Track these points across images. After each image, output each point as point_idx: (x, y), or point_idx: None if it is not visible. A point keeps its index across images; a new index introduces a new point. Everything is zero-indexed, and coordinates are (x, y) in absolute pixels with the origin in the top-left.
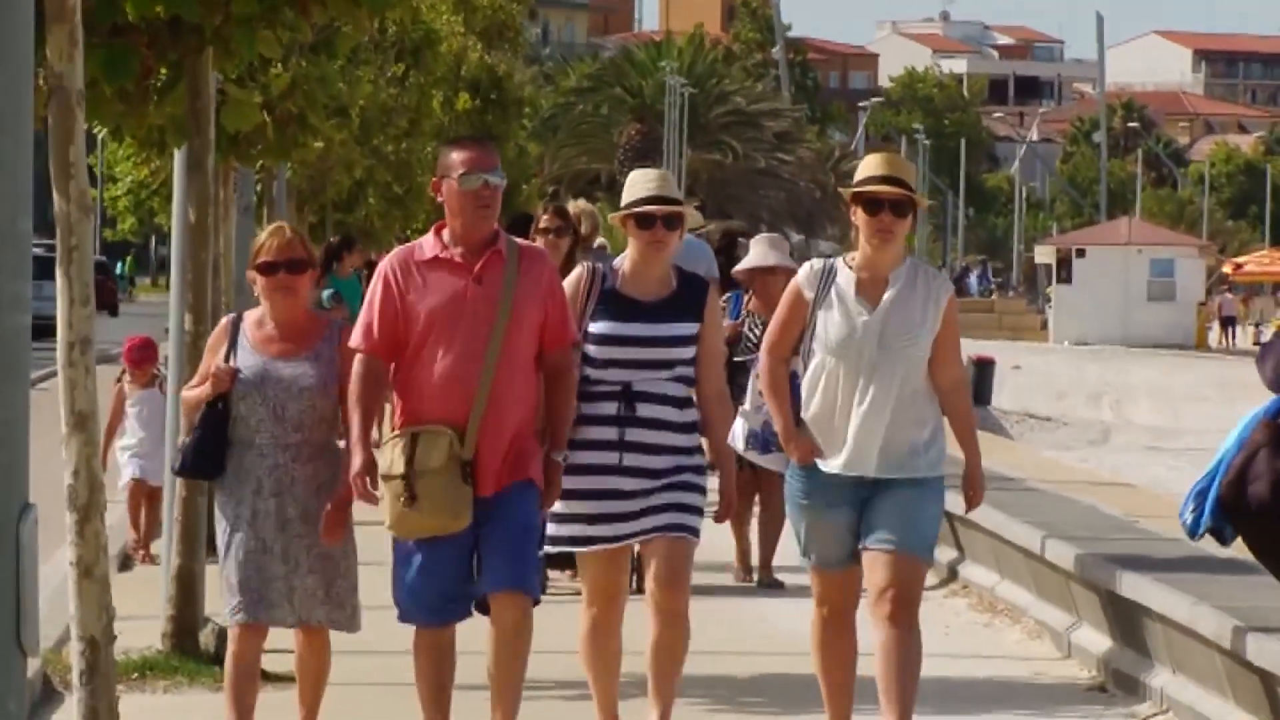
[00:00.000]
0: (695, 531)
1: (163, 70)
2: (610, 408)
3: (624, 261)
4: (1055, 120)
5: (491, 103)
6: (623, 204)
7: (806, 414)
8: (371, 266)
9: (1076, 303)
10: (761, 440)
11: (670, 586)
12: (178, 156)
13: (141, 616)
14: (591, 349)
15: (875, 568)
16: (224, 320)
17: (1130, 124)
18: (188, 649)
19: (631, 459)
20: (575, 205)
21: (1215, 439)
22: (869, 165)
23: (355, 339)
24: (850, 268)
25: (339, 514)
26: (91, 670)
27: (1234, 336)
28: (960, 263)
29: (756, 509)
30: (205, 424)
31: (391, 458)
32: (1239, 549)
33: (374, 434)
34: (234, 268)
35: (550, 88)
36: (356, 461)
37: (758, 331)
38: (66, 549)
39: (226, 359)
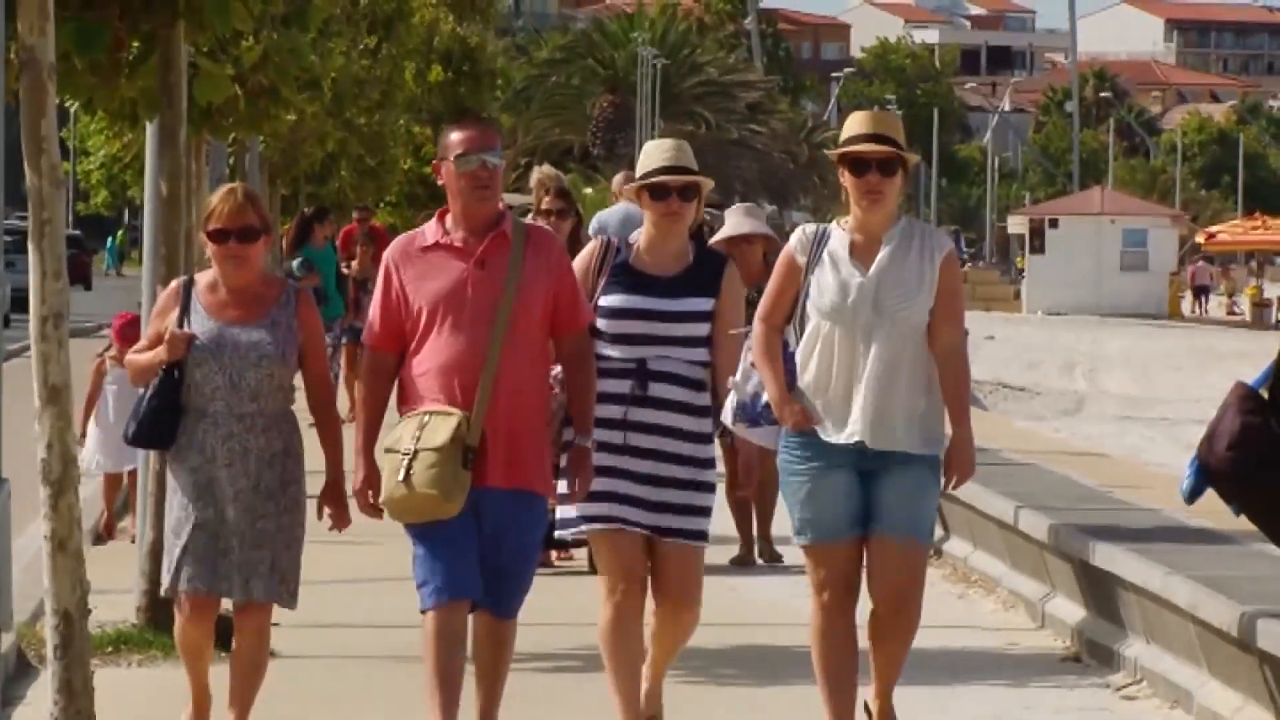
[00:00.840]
0: (706, 536)
1: (134, 43)
2: (622, 386)
3: (639, 235)
4: (1027, 90)
5: (464, 74)
6: (637, 174)
7: (802, 381)
8: (361, 237)
9: (1049, 273)
10: (751, 413)
11: (683, 599)
12: (150, 129)
13: (116, 590)
14: (602, 323)
15: (882, 555)
16: (173, 283)
17: (1102, 94)
18: (162, 623)
19: (638, 439)
20: (539, 171)
21: (1189, 408)
22: (853, 123)
23: (364, 335)
24: (844, 230)
25: (337, 500)
26: (66, 644)
27: (1206, 305)
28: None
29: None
30: (160, 392)
31: (400, 434)
32: (1216, 518)
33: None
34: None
35: (523, 59)
36: (360, 475)
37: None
38: (40, 523)
39: (181, 324)
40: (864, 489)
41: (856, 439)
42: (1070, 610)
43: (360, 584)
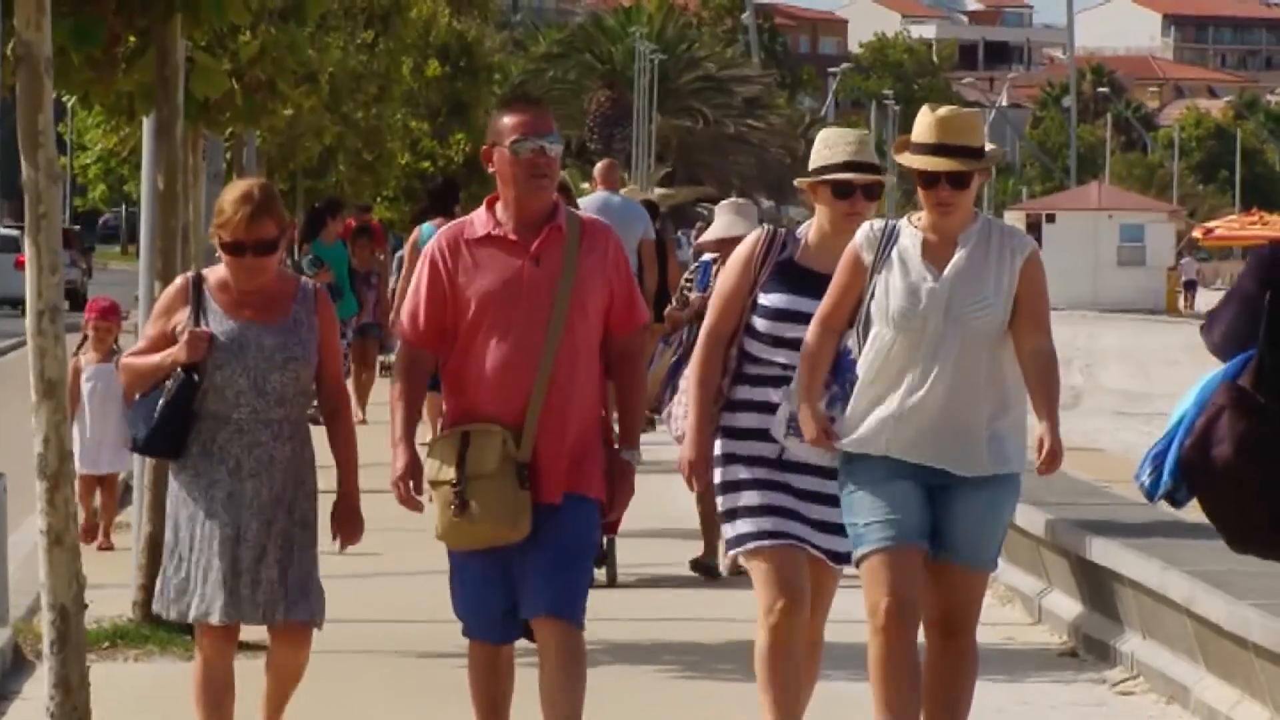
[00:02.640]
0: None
1: (131, 38)
2: (774, 395)
3: (809, 230)
4: (1025, 85)
5: (461, 69)
6: (813, 165)
7: (863, 394)
8: (354, 232)
9: (1046, 267)
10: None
11: (816, 618)
12: (146, 124)
13: (112, 585)
14: (760, 323)
15: (945, 583)
16: (179, 280)
17: (1100, 89)
18: (159, 618)
19: (796, 453)
20: None
21: None
22: (920, 127)
23: (401, 327)
24: (916, 227)
25: (351, 514)
26: (62, 639)
27: (1194, 301)
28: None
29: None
30: (177, 397)
31: (441, 461)
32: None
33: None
34: (203, 235)
35: (520, 54)
36: (399, 463)
37: None
38: (36, 518)
39: (196, 323)
40: (931, 505)
41: (920, 461)
42: (1067, 605)
43: (371, 579)
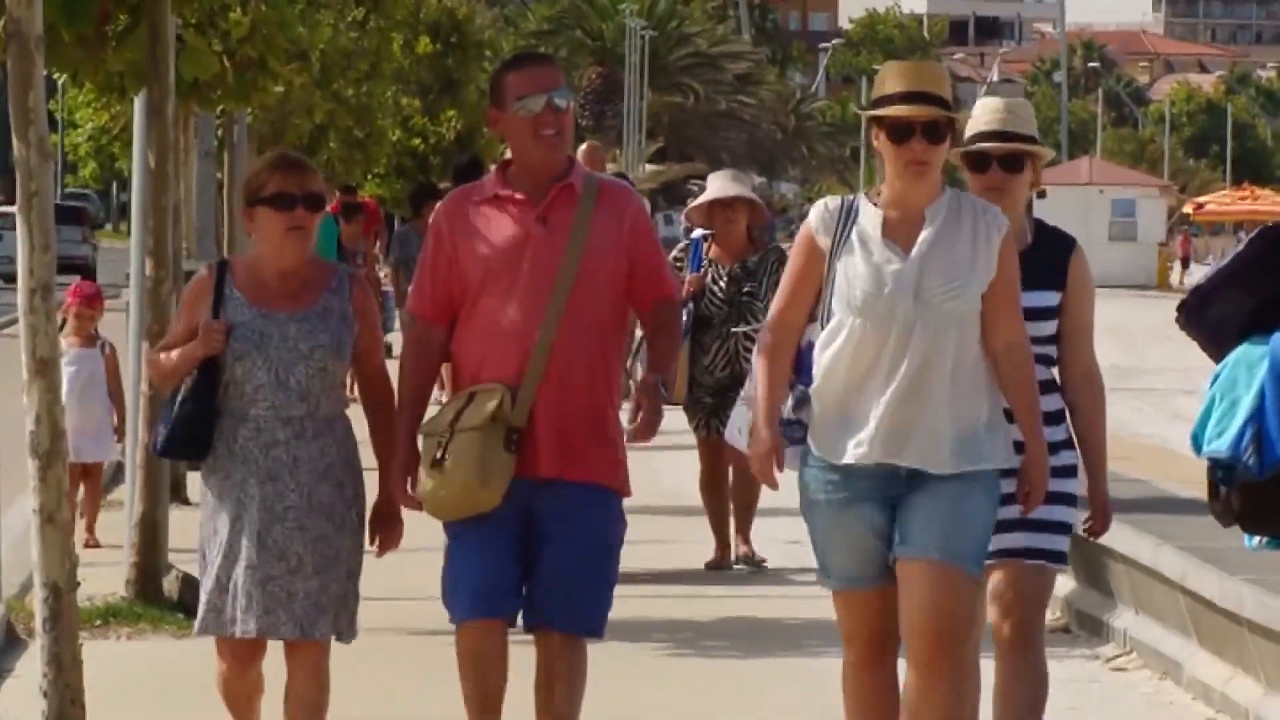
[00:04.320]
0: (1059, 557)
1: (121, 15)
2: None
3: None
4: (1016, 61)
5: (452, 46)
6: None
7: (821, 387)
8: (345, 208)
9: None
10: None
11: (1020, 631)
12: (137, 102)
13: (105, 563)
14: None
15: (908, 585)
16: (203, 269)
17: (1091, 64)
18: (151, 596)
19: None
20: None
21: (1177, 378)
22: (891, 77)
23: (410, 301)
24: (875, 204)
25: (392, 528)
26: (55, 617)
27: (1183, 276)
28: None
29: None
30: (195, 394)
31: (439, 417)
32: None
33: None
34: (194, 213)
35: (511, 30)
36: (396, 459)
37: (723, 284)
38: (29, 496)
39: (215, 314)
40: (895, 517)
41: (887, 461)
42: (1059, 581)
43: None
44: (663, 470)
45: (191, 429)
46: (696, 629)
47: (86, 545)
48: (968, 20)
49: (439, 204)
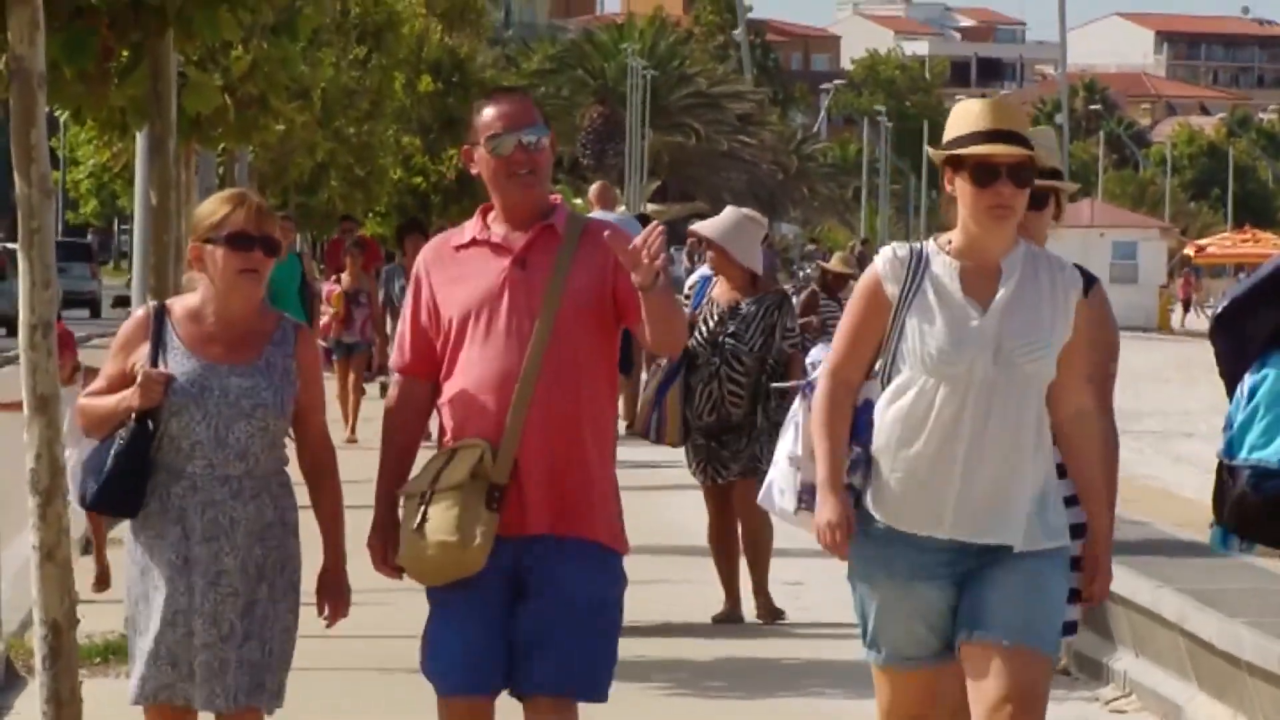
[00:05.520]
0: (1052, 644)
1: (123, 52)
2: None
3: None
4: (1017, 102)
5: (453, 85)
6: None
7: (886, 450)
8: (346, 247)
9: None
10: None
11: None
12: (139, 139)
13: (104, 600)
14: None
15: (985, 669)
16: (139, 311)
17: (1092, 105)
18: None
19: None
20: None
21: (1177, 421)
22: (969, 116)
23: (392, 358)
24: (946, 252)
25: (337, 588)
26: (54, 655)
27: (1184, 318)
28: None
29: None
30: (131, 447)
31: (420, 477)
32: (1204, 532)
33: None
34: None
35: (512, 70)
36: (374, 525)
37: (711, 324)
38: (28, 533)
39: (155, 362)
40: (961, 594)
41: (960, 538)
42: None
43: (374, 593)
44: (668, 510)
45: (125, 483)
46: (697, 669)
47: (99, 581)
48: (969, 62)
49: (420, 252)
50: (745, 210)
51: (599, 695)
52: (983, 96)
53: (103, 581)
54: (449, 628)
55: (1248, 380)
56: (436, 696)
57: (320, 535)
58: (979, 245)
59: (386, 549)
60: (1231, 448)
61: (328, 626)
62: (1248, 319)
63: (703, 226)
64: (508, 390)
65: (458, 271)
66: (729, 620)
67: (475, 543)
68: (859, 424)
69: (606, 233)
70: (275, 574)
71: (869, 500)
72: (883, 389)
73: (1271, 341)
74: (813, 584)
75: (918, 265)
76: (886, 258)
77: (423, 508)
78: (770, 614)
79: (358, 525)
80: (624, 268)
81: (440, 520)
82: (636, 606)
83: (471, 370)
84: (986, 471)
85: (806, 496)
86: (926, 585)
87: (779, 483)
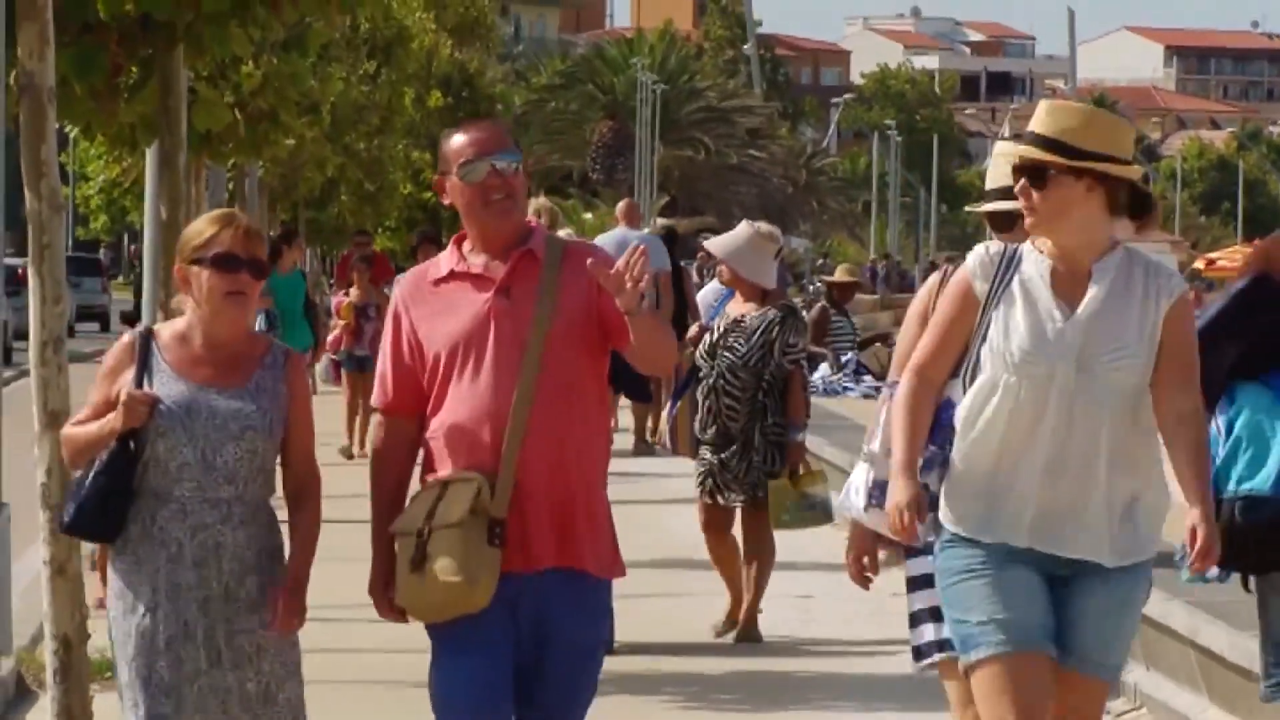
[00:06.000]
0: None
1: (133, 68)
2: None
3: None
4: (1027, 116)
5: (463, 100)
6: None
7: (965, 451)
8: (355, 261)
9: None
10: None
11: None
12: (149, 154)
13: None
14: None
15: (1060, 694)
16: (126, 336)
17: None
18: None
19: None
20: (533, 203)
21: None
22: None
23: (375, 395)
24: (1042, 252)
25: (295, 598)
26: (65, 669)
27: None
28: (932, 258)
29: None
30: (111, 469)
31: (412, 513)
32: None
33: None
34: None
35: (522, 85)
36: (373, 570)
37: (713, 337)
38: (39, 547)
39: (139, 385)
40: (1054, 596)
41: (1041, 548)
42: None
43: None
44: (674, 523)
45: (103, 505)
46: (706, 683)
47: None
48: (979, 76)
49: (396, 288)
50: (759, 225)
51: None
52: (992, 111)
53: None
54: (457, 670)
55: (1220, 417)
56: None
57: (291, 550)
58: (1059, 248)
59: (389, 595)
60: (1216, 483)
61: (269, 628)
62: (1209, 352)
63: (712, 244)
64: (500, 422)
65: (439, 306)
66: (748, 636)
67: (481, 582)
68: (938, 422)
69: (590, 260)
70: (265, 605)
71: (945, 506)
72: (965, 389)
73: (1235, 372)
74: (821, 597)
75: (1009, 263)
76: (978, 255)
77: (418, 547)
78: (749, 639)
79: (362, 538)
80: (611, 305)
81: (443, 560)
82: (644, 620)
83: (461, 404)
84: (1068, 481)
85: (876, 493)
86: (1018, 568)
87: (854, 482)
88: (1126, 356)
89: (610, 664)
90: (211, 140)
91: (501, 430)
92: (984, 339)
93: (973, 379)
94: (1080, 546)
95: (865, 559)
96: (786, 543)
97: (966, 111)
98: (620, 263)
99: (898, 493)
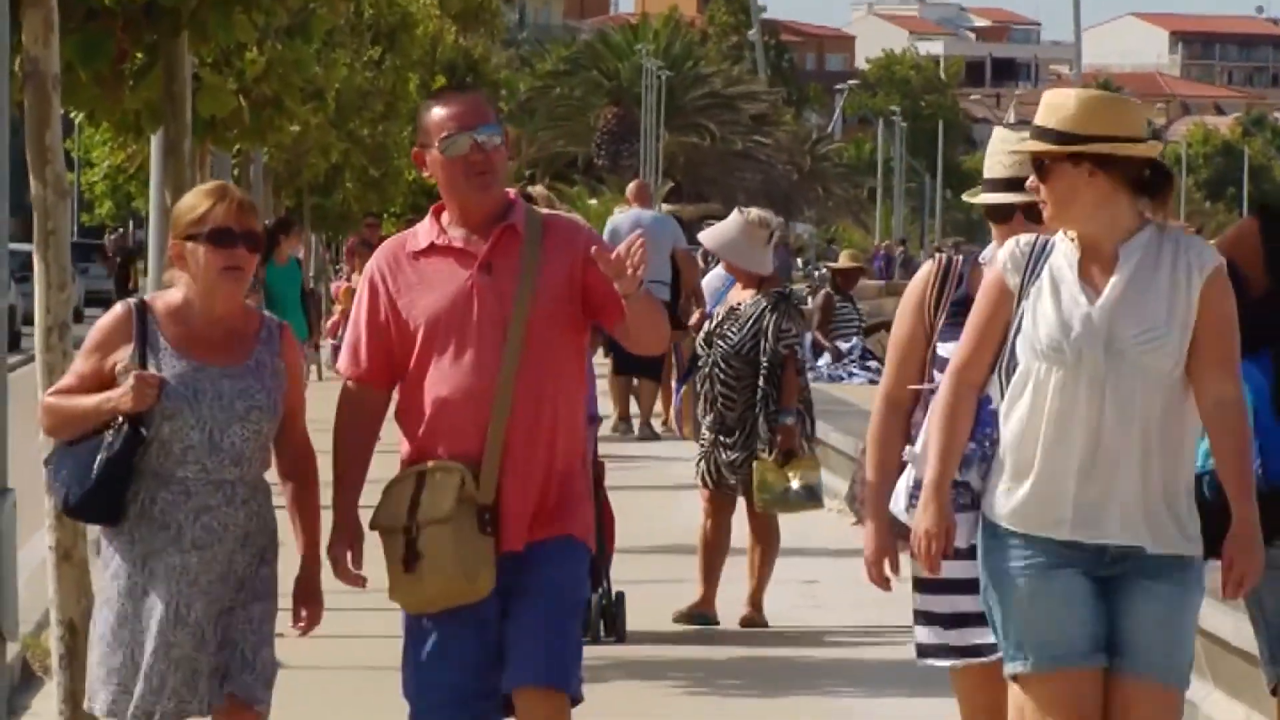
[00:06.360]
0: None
1: (138, 54)
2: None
3: (991, 251)
4: (1032, 102)
5: (468, 86)
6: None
7: (1012, 452)
8: (356, 245)
9: None
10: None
11: None
12: (154, 141)
13: None
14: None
15: (1126, 706)
16: (120, 307)
17: None
18: None
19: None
20: (533, 189)
21: None
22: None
23: (342, 362)
24: (1072, 240)
25: (315, 603)
26: (70, 654)
27: None
28: (938, 244)
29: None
30: (122, 451)
31: (391, 507)
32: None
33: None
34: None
35: (527, 71)
36: (335, 535)
37: (711, 324)
38: (45, 533)
39: (143, 364)
40: (1104, 602)
41: (1086, 539)
42: None
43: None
44: (680, 509)
45: (112, 489)
46: (712, 669)
47: None
48: (984, 62)
49: (373, 257)
50: (749, 212)
51: (579, 691)
52: (997, 97)
53: None
54: (436, 655)
55: None
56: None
57: (294, 540)
58: (1080, 235)
59: (349, 558)
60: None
61: (301, 634)
62: None
63: (705, 236)
64: (485, 402)
65: (418, 278)
66: (695, 619)
67: (481, 575)
68: (979, 417)
69: (593, 249)
70: (254, 579)
71: (988, 502)
72: (1001, 383)
73: None
74: (828, 583)
75: (1040, 254)
76: (1009, 249)
77: (409, 544)
78: (752, 624)
79: (361, 523)
80: (596, 265)
81: (437, 558)
82: (650, 607)
83: (443, 382)
84: (1105, 468)
85: (916, 493)
86: (1063, 574)
87: (901, 482)
88: (1157, 338)
89: (617, 651)
90: (216, 126)
91: (486, 410)
92: (1019, 330)
93: (1008, 372)
94: (1120, 531)
95: (886, 560)
96: (793, 528)
97: (972, 97)
98: (621, 248)
99: (926, 519)
